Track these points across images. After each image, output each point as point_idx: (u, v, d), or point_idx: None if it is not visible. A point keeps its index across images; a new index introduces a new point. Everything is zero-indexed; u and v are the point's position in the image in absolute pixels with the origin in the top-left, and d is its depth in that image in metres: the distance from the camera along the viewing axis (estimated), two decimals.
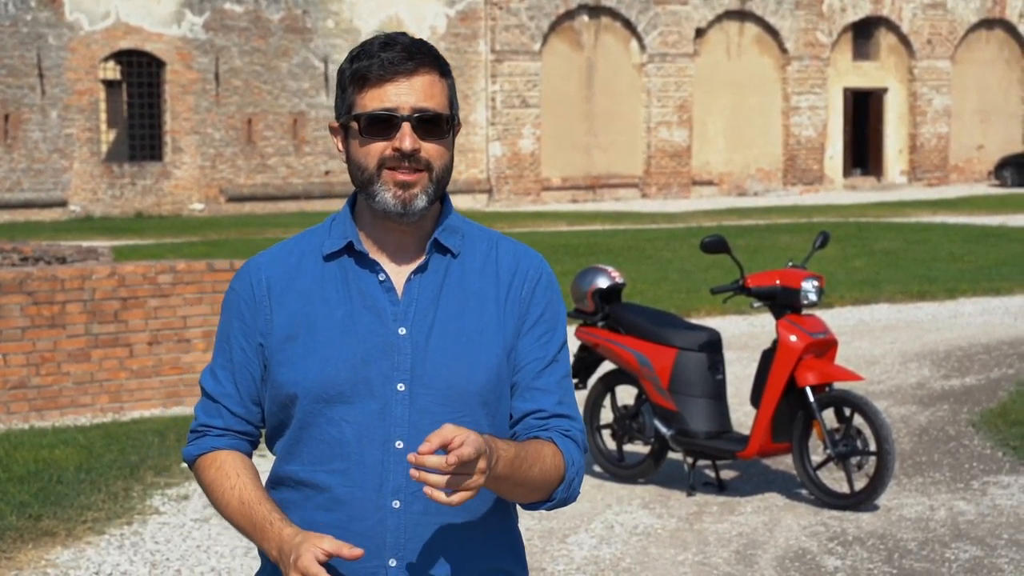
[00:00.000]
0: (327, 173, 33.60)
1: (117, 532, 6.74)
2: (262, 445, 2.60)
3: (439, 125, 2.43)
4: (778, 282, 7.46)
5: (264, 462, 3.55)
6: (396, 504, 2.40)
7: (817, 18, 39.57)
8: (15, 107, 30.25)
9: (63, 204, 30.90)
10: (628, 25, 37.15)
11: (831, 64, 40.07)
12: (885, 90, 41.33)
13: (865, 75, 41.11)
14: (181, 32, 31.87)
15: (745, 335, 12.99)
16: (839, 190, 40.35)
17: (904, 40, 41.15)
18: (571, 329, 12.49)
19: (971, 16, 41.97)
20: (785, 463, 8.08)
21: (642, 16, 37.08)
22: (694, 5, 37.81)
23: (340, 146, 2.51)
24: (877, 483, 7.03)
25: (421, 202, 2.41)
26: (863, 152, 41.83)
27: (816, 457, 7.61)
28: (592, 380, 8.27)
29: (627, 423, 7.85)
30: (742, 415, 9.06)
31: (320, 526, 2.42)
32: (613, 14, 36.86)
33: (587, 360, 8.07)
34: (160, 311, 9.81)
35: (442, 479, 2.15)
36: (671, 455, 8.08)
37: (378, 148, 2.41)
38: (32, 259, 11.94)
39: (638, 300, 14.14)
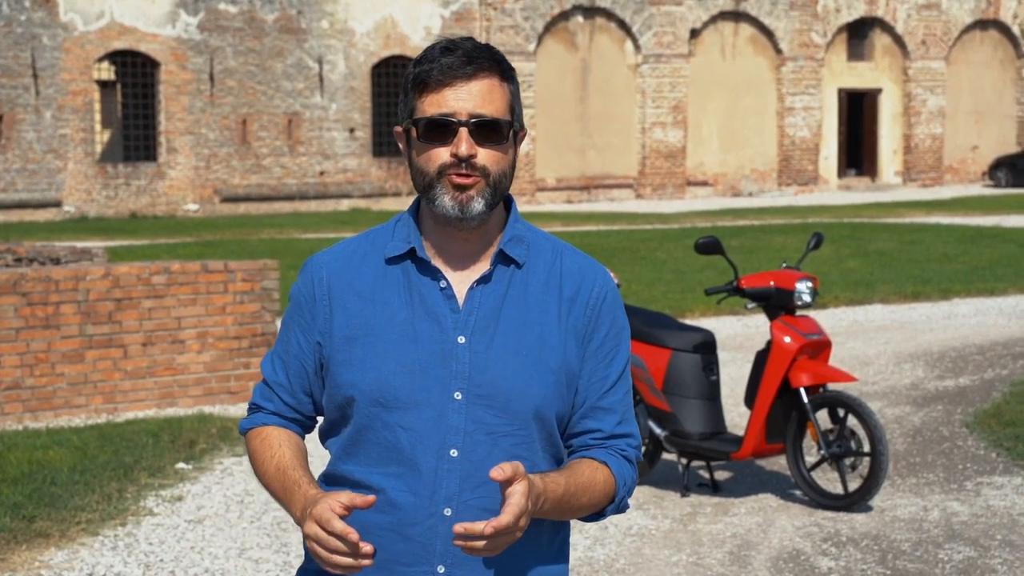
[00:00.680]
0: (321, 174, 33.59)
1: (111, 533, 6.74)
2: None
3: (497, 131, 2.42)
4: (772, 283, 7.47)
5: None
6: (448, 512, 2.41)
7: (812, 19, 39.60)
8: (9, 107, 30.22)
9: (57, 204, 30.87)
10: (623, 26, 37.16)
11: (826, 65, 40.11)
12: (879, 91, 41.37)
13: (859, 76, 41.15)
14: (175, 32, 31.85)
15: (739, 336, 13.00)
16: (833, 191, 40.39)
17: (898, 41, 41.19)
18: None
19: (965, 17, 42.02)
20: (779, 464, 8.08)
21: (637, 17, 37.09)
22: (689, 6, 37.83)
23: (404, 150, 2.51)
24: (871, 484, 7.03)
25: (479, 205, 2.41)
26: (857, 153, 41.86)
27: (810, 458, 7.62)
28: None
29: None
30: (736, 416, 9.06)
31: (373, 526, 2.43)
32: (608, 15, 36.88)
33: None
34: (154, 312, 9.80)
35: (483, 544, 2.24)
36: (665, 456, 8.08)
37: (437, 154, 2.41)
38: (26, 260, 11.93)
39: (632, 301, 14.15)
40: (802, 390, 7.20)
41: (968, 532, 6.76)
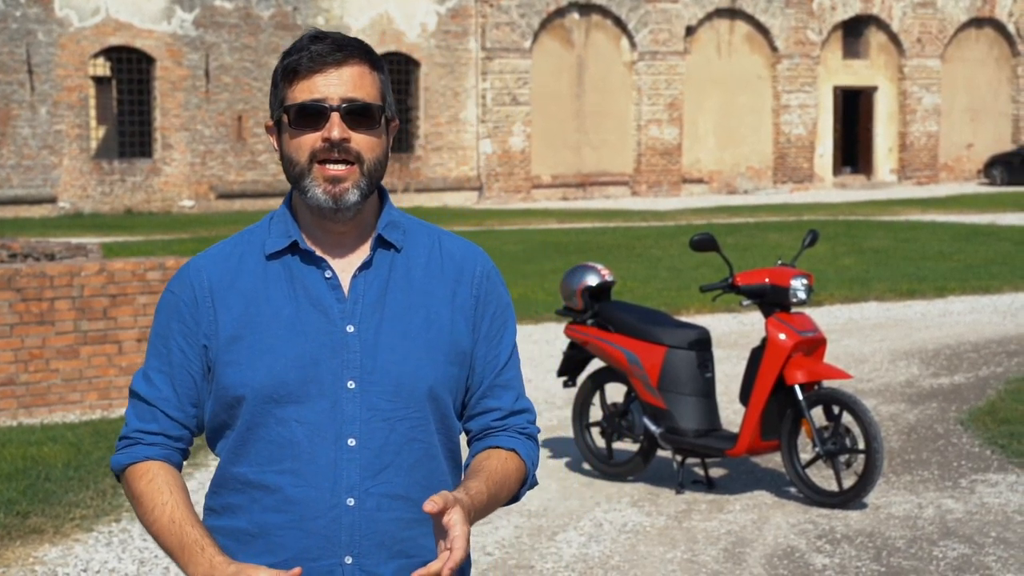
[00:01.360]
0: None
1: (105, 529, 6.73)
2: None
3: (370, 116, 2.41)
4: (767, 280, 7.47)
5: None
6: (350, 502, 2.41)
7: (807, 16, 39.61)
8: (4, 103, 30.18)
9: (52, 200, 30.83)
10: (619, 23, 37.15)
11: (821, 62, 40.12)
12: (875, 88, 41.38)
13: (855, 74, 41.16)
14: (171, 28, 31.82)
15: (734, 333, 13.00)
16: (829, 188, 40.40)
17: (894, 39, 41.21)
18: (560, 327, 12.50)
19: (961, 15, 42.03)
20: (774, 461, 8.08)
21: (632, 14, 37.08)
22: (684, 3, 37.82)
23: (275, 144, 2.49)
24: (866, 481, 7.04)
25: (353, 196, 2.40)
26: (853, 150, 41.88)
27: (805, 455, 7.62)
28: (581, 378, 8.28)
29: (616, 421, 7.85)
30: (731, 413, 9.07)
31: (273, 527, 2.41)
32: (604, 12, 36.86)
33: (576, 358, 8.07)
34: (149, 308, 9.78)
35: None
36: (660, 453, 8.08)
37: (308, 140, 2.40)
38: (21, 255, 11.91)
39: (628, 298, 14.15)
40: (797, 387, 7.21)
41: (962, 529, 6.77)
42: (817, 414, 7.86)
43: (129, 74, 32.09)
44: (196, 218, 29.87)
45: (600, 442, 8.15)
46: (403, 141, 35.03)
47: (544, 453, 8.37)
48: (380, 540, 2.42)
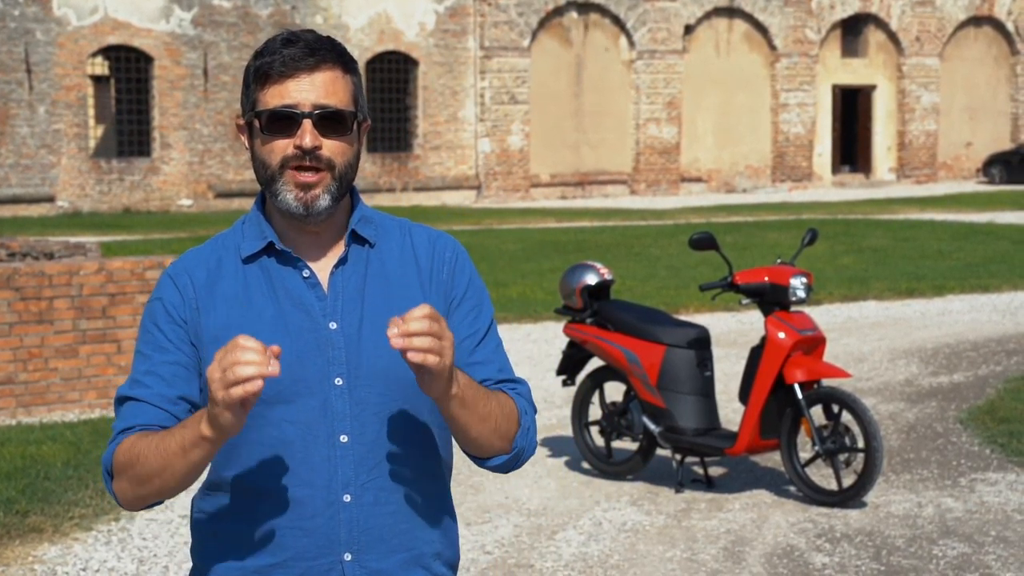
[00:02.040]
0: None
1: (104, 528, 6.73)
2: None
3: (342, 122, 2.41)
4: (767, 279, 7.47)
5: None
6: (347, 498, 2.40)
7: (806, 15, 39.61)
8: (3, 102, 30.17)
9: (51, 200, 30.82)
10: (617, 22, 37.15)
11: (820, 61, 40.12)
12: (874, 87, 41.39)
13: (854, 72, 41.17)
14: (169, 28, 31.81)
15: (734, 332, 13.00)
16: (828, 187, 40.41)
17: (893, 37, 41.21)
18: (559, 326, 12.50)
19: (960, 13, 42.04)
20: (773, 460, 8.08)
21: (631, 13, 37.08)
22: (683, 2, 37.82)
23: (246, 143, 2.48)
24: (865, 480, 7.03)
25: (324, 202, 2.40)
26: (852, 149, 41.89)
27: (804, 454, 7.62)
28: (580, 377, 8.27)
29: (615, 420, 7.85)
30: (730, 412, 9.06)
31: (270, 528, 2.40)
32: (602, 11, 36.86)
33: (575, 357, 8.07)
34: None
35: (426, 342, 2.16)
36: (659, 452, 8.08)
37: (280, 146, 2.39)
38: (20, 255, 11.90)
39: (627, 297, 14.15)
40: (796, 386, 7.20)
41: (962, 528, 6.77)
42: (816, 413, 7.86)
43: (127, 73, 32.08)
44: (194, 217, 29.86)
45: (599, 441, 8.15)
46: (401, 140, 35.03)
47: (543, 452, 8.37)
48: (379, 534, 2.42)
